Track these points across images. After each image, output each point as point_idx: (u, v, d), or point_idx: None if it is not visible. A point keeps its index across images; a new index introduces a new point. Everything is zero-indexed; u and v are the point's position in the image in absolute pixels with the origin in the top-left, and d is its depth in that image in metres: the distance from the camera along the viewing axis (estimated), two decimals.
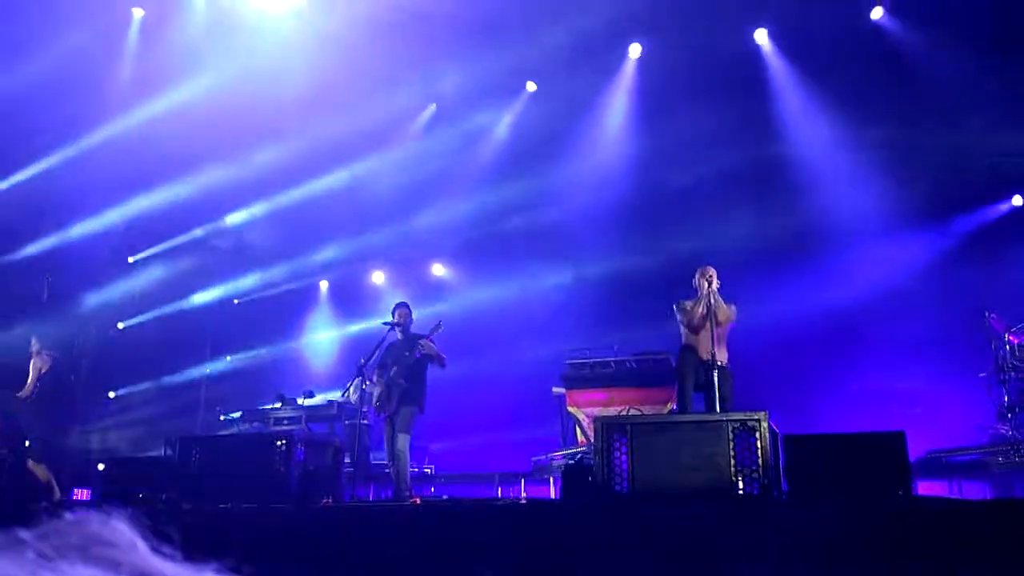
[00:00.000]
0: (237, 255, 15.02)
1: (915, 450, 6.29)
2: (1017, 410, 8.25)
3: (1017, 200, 11.70)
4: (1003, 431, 8.45)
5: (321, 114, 11.80)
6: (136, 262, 14.72)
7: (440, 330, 8.71)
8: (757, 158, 11.94)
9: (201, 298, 15.02)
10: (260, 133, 12.01)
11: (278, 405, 11.63)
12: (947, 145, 11.04)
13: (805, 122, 11.63)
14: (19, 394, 9.50)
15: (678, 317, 7.94)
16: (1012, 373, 8.43)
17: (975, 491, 7.77)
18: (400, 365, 8.53)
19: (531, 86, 12.62)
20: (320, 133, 11.95)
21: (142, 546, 0.54)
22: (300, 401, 11.51)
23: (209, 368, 15.03)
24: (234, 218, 14.37)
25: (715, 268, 7.84)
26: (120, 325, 14.86)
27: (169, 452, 9.26)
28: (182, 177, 12.80)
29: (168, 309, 14.87)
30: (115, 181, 12.59)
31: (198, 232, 14.58)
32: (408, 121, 13.06)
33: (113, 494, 7.59)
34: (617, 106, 12.36)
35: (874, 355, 11.15)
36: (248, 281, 15.22)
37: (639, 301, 11.54)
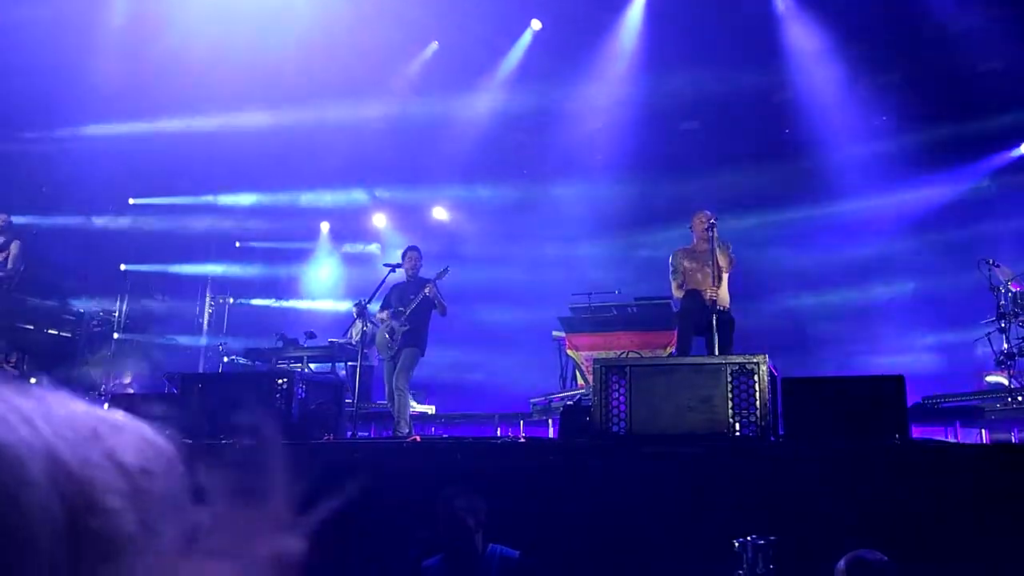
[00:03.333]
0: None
1: (912, 396, 6.31)
2: (1016, 358, 8.26)
3: None
4: (1002, 379, 8.48)
5: (320, 52, 11.63)
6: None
7: (446, 275, 8.74)
8: (765, 103, 11.81)
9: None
10: (256, 74, 11.82)
11: (280, 346, 11.69)
12: (954, 92, 10.90)
13: (814, 67, 11.45)
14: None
15: (672, 266, 7.92)
16: (1012, 321, 8.42)
17: (971, 437, 7.82)
18: (405, 307, 8.59)
19: (536, 24, 12.39)
20: (319, 71, 11.77)
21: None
22: (302, 343, 11.58)
23: (210, 309, 15.11)
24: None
25: (719, 213, 7.82)
26: (123, 267, 14.92)
27: (172, 389, 9.35)
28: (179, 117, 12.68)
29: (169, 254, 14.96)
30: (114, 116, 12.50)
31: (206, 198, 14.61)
32: (409, 59, 12.85)
33: None
34: (625, 43, 12.15)
35: (876, 300, 11.17)
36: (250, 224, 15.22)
37: (641, 246, 11.53)
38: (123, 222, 14.49)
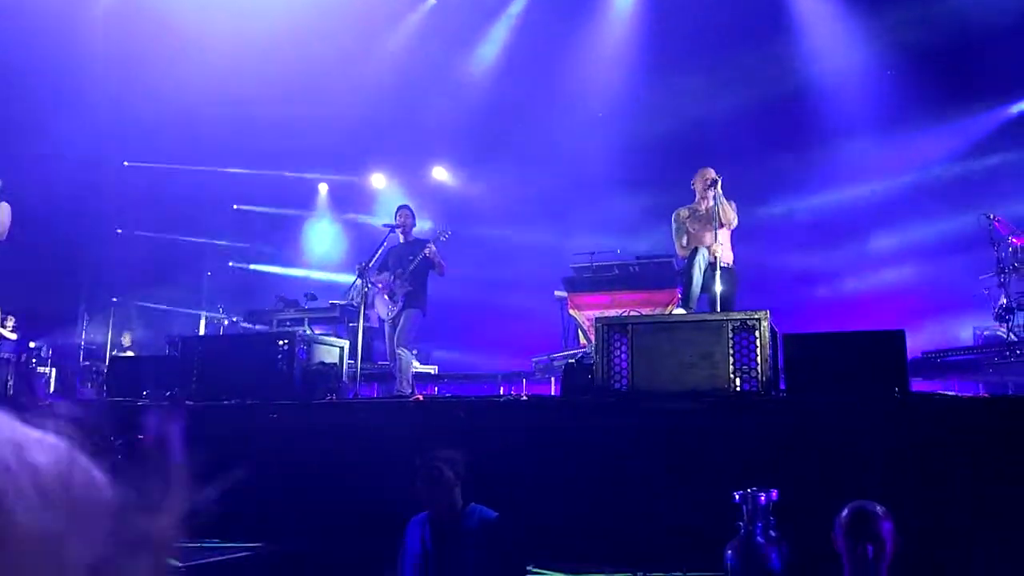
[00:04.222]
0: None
1: (911, 350, 6.32)
2: (1015, 312, 8.28)
3: None
4: (1000, 333, 8.51)
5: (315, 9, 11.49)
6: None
7: (446, 237, 8.72)
8: (765, 55, 11.68)
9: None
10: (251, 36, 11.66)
11: (280, 308, 11.70)
12: (958, 43, 10.77)
13: (816, 19, 11.32)
14: None
15: (675, 225, 7.90)
16: (1013, 276, 8.42)
17: (970, 391, 7.86)
18: (403, 268, 8.58)
19: None
20: (315, 30, 11.63)
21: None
22: (303, 304, 11.59)
23: (210, 272, 15.11)
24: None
25: (720, 169, 7.76)
26: (119, 230, 14.91)
27: (173, 351, 9.37)
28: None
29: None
30: (106, 82, 12.38)
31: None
32: (407, 14, 12.69)
33: (118, 393, 7.70)
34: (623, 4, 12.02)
35: (876, 255, 11.18)
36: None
37: (642, 202, 11.49)
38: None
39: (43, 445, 0.63)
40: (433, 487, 4.40)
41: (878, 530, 3.33)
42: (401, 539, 4.51)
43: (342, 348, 8.22)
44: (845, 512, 3.44)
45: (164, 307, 14.56)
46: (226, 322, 12.32)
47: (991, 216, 8.68)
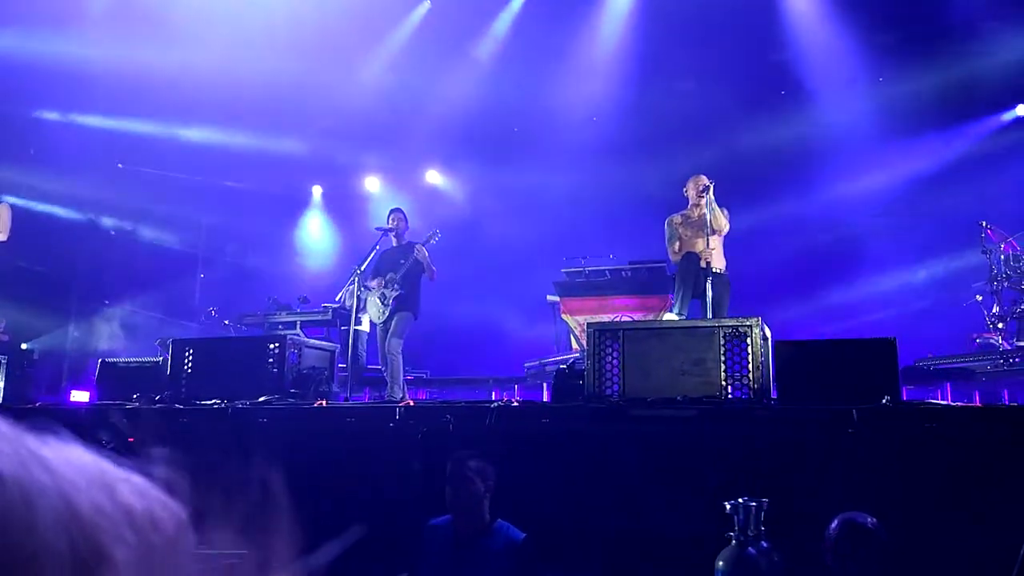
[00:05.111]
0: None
1: (904, 358, 6.31)
2: (1008, 319, 8.29)
3: (1021, 110, 11.49)
4: (993, 340, 8.51)
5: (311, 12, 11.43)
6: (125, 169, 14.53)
7: (436, 239, 8.70)
8: (760, 64, 11.68)
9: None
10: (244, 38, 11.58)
11: (273, 310, 11.67)
12: (951, 53, 10.78)
13: (810, 26, 11.31)
14: None
15: (668, 232, 7.90)
16: (1005, 283, 8.43)
17: (962, 399, 7.85)
18: (395, 271, 8.56)
19: None
20: (308, 33, 11.57)
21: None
22: (295, 307, 11.57)
23: (203, 274, 15.04)
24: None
25: (714, 175, 7.76)
26: (112, 233, 14.81)
27: (163, 355, 9.31)
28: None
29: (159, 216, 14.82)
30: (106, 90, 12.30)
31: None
32: (400, 18, 12.61)
33: (108, 397, 7.65)
34: (618, 6, 11.98)
35: (869, 263, 11.17)
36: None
37: (636, 209, 11.46)
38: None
39: (131, 484, 0.64)
40: (462, 495, 4.36)
41: (868, 542, 3.31)
42: (420, 540, 4.50)
43: (333, 352, 8.18)
44: (835, 524, 3.42)
45: (155, 310, 14.47)
46: (226, 323, 12.24)
47: (983, 224, 8.70)
